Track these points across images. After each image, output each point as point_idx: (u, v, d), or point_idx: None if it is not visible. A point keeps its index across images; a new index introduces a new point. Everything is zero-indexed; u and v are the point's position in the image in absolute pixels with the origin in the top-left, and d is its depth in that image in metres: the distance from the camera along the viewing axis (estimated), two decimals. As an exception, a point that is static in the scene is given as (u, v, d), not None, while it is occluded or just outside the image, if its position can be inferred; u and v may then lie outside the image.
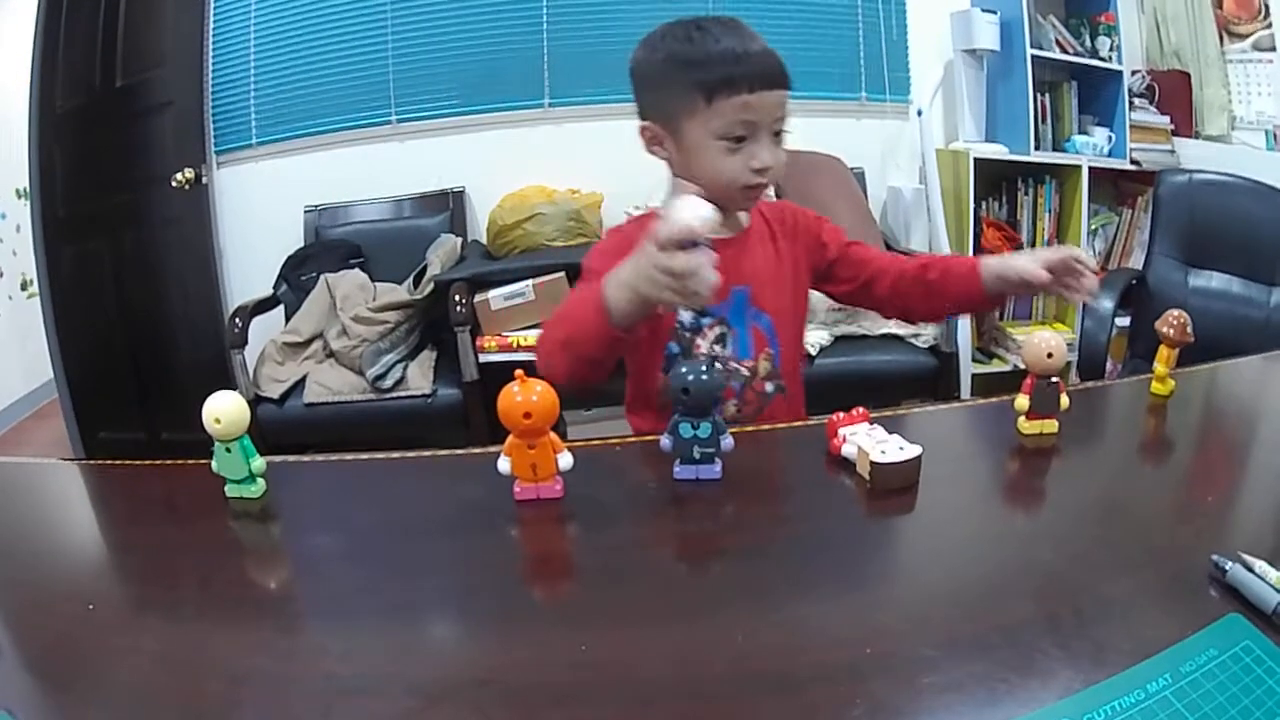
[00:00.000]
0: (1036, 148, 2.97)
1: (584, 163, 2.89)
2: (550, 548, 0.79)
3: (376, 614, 0.67)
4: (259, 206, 2.94)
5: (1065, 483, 0.86)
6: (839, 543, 0.75)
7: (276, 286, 2.76)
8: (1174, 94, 3.06)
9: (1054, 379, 0.89)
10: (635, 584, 0.69)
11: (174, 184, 2.74)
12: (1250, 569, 0.61)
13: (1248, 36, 2.78)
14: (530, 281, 2.50)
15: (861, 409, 0.89)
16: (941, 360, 2.46)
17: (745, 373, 1.13)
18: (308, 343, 2.58)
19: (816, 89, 2.99)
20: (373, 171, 2.95)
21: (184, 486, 0.92)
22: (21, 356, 3.55)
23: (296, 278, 2.74)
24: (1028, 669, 0.55)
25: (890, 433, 0.84)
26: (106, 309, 2.89)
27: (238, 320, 2.48)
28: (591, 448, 0.91)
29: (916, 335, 2.46)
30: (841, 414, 0.88)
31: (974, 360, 2.95)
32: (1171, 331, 0.98)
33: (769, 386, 1.14)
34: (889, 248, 2.69)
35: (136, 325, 2.89)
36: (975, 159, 2.89)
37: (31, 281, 3.35)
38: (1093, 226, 3.11)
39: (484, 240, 2.83)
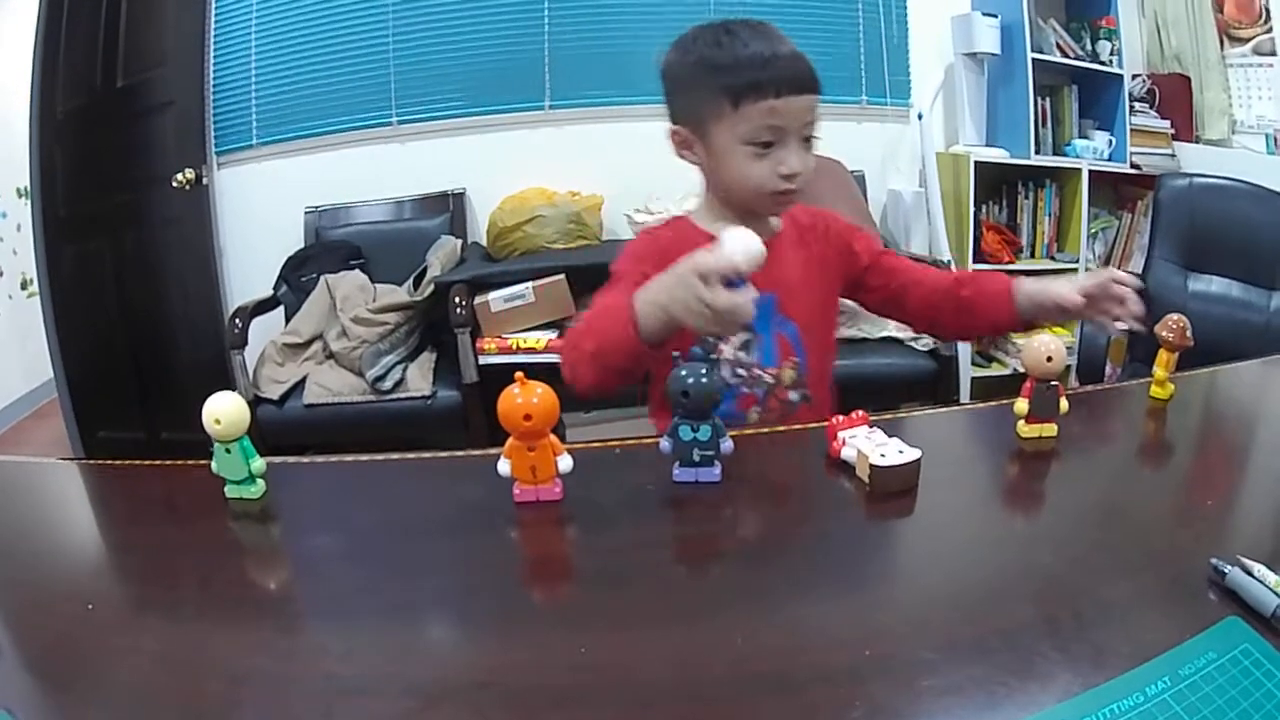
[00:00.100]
0: (1037, 151, 2.97)
1: (585, 165, 2.90)
2: (550, 550, 0.79)
3: (376, 615, 0.67)
4: (259, 207, 2.94)
5: (1065, 486, 0.86)
6: (838, 545, 0.75)
7: (276, 287, 2.76)
8: (1174, 98, 3.06)
9: (1053, 383, 0.89)
10: (635, 586, 0.69)
11: (174, 184, 2.75)
12: (1249, 572, 0.61)
13: (1248, 41, 2.79)
14: (530, 284, 2.50)
15: (861, 412, 0.89)
16: (941, 364, 2.46)
17: (769, 380, 1.11)
18: (308, 344, 2.58)
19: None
20: (373, 173, 2.95)
21: (184, 487, 0.92)
22: (21, 356, 3.55)
23: (297, 278, 2.75)
24: (1027, 672, 0.55)
25: (890, 436, 0.84)
26: (107, 309, 2.89)
27: (238, 321, 2.48)
28: (591, 450, 0.91)
29: (916, 339, 2.46)
30: (841, 417, 0.88)
31: (973, 364, 2.95)
32: (1171, 336, 0.98)
33: (793, 395, 1.12)
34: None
35: (137, 325, 2.89)
36: (975, 162, 2.90)
37: (32, 281, 3.35)
38: (1092, 230, 3.12)
39: (484, 242, 2.83)
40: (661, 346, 0.91)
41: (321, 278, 2.69)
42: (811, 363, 1.14)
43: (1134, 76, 3.09)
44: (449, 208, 2.92)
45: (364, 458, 0.94)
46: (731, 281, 0.81)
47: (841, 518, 0.80)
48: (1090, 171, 2.97)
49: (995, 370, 2.99)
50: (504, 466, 0.79)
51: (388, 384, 2.41)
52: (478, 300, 2.50)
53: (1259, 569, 0.61)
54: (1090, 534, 0.74)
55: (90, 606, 0.68)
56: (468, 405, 2.43)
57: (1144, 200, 3.01)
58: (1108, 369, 2.09)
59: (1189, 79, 3.01)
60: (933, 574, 0.72)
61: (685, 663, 0.59)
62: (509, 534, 0.78)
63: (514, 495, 0.80)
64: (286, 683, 0.59)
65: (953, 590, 0.68)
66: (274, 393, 2.40)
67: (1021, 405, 0.90)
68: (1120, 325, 1.02)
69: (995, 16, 2.90)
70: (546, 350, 2.47)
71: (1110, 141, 3.03)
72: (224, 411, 0.80)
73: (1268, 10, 2.70)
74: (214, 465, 0.83)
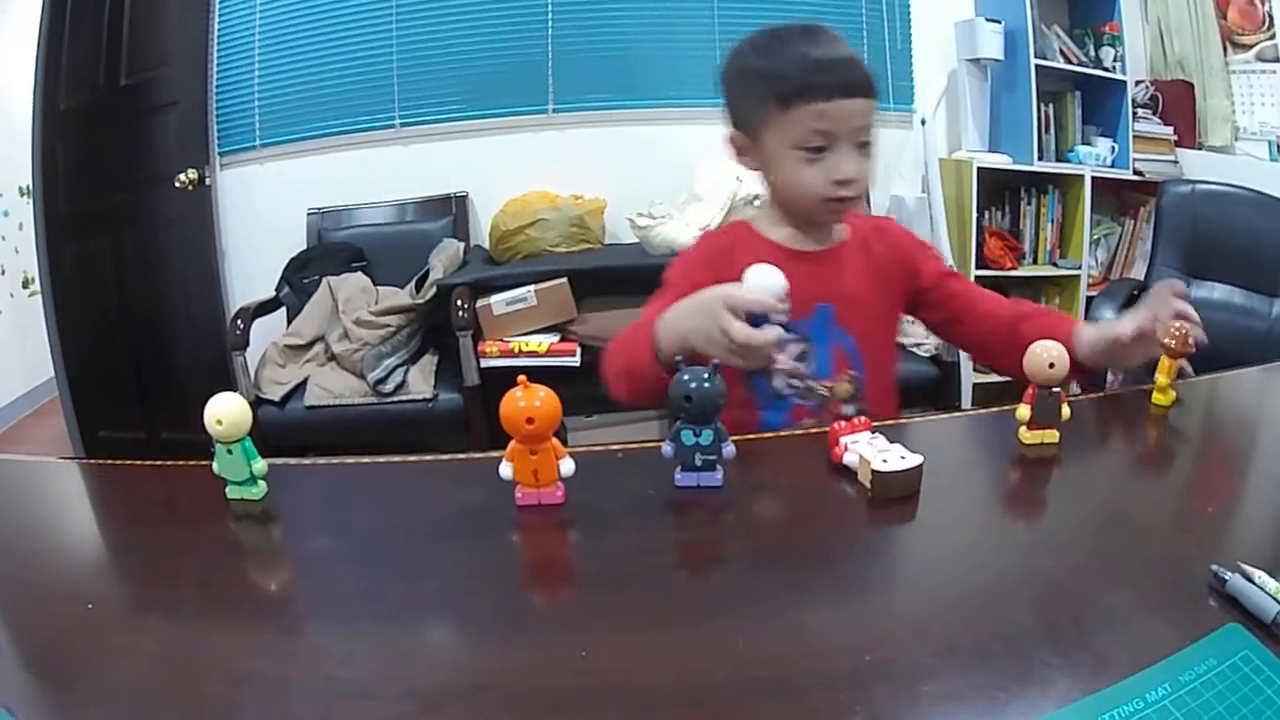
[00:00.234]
0: (1040, 157, 2.98)
1: (587, 168, 2.90)
2: (551, 553, 0.79)
3: (377, 617, 0.67)
4: (262, 208, 2.94)
5: (1066, 492, 0.86)
6: (840, 550, 0.75)
7: (278, 289, 2.76)
8: (1177, 104, 3.06)
9: (1055, 389, 0.89)
10: (636, 590, 0.69)
11: (177, 184, 2.75)
12: (1250, 579, 0.61)
13: (1252, 47, 2.79)
14: (532, 287, 2.50)
15: (863, 417, 0.89)
16: (943, 369, 2.46)
17: (823, 392, 1.08)
18: (309, 345, 2.58)
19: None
20: (376, 175, 2.96)
21: (185, 487, 0.92)
22: (22, 354, 3.55)
23: (299, 280, 2.75)
24: (1027, 678, 0.55)
25: (892, 441, 0.84)
26: (108, 308, 2.89)
27: (239, 322, 2.48)
28: (593, 454, 0.91)
29: (918, 344, 2.46)
30: (843, 422, 0.88)
31: (975, 369, 2.95)
32: (1173, 343, 0.98)
33: (848, 409, 1.07)
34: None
35: (138, 325, 2.89)
36: (978, 168, 2.90)
37: (33, 279, 3.35)
38: (1095, 237, 3.12)
39: (486, 245, 2.84)
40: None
41: (324, 279, 2.69)
42: (872, 377, 1.10)
43: (1137, 83, 3.10)
44: (451, 210, 2.92)
45: (365, 460, 0.94)
46: (756, 317, 0.81)
47: (843, 523, 0.80)
48: (1093, 178, 2.97)
49: (997, 376, 2.98)
50: (506, 469, 0.79)
51: (389, 386, 2.41)
52: (480, 303, 2.50)
53: (1259, 575, 0.61)
54: (1091, 540, 0.74)
55: (90, 606, 0.68)
56: (469, 408, 2.43)
57: (1146, 207, 3.01)
58: (1109, 376, 2.09)
59: (1192, 85, 3.01)
60: (934, 579, 0.72)
61: (686, 667, 0.59)
62: (510, 537, 0.78)
63: (515, 498, 0.80)
64: (286, 684, 0.59)
65: (953, 596, 0.67)
66: (275, 394, 2.40)
67: (1023, 411, 0.89)
68: (1192, 337, 0.96)
69: (999, 22, 2.90)
70: (548, 354, 2.48)
71: (1113, 148, 3.04)
72: (226, 412, 0.80)
73: (1271, 17, 2.70)
74: (215, 466, 0.83)
